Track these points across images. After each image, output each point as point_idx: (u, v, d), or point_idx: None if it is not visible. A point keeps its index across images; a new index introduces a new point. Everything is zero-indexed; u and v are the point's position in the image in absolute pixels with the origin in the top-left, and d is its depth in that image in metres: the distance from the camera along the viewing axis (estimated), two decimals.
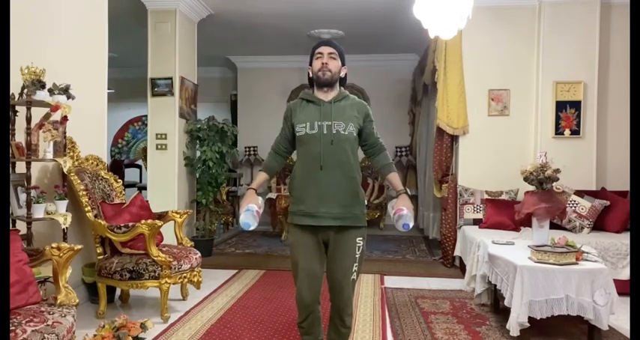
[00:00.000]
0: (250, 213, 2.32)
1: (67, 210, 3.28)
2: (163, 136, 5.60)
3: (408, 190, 2.42)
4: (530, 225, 3.71)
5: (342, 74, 2.48)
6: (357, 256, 2.42)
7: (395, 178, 2.48)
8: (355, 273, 2.44)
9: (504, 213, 4.66)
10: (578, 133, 5.07)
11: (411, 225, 2.31)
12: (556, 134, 5.09)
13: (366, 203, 2.56)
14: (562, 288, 2.94)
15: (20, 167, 3.14)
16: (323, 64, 2.40)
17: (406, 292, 4.28)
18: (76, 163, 3.70)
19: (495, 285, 3.45)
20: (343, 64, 2.47)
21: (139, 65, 6.30)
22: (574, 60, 5.07)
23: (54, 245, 2.42)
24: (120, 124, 10.15)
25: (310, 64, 2.47)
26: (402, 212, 2.30)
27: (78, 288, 3.65)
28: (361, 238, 2.43)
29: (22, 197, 3.09)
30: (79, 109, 3.50)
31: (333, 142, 2.36)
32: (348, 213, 2.38)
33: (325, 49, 2.43)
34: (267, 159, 2.63)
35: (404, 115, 8.38)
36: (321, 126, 2.38)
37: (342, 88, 2.51)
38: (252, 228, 2.28)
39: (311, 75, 2.48)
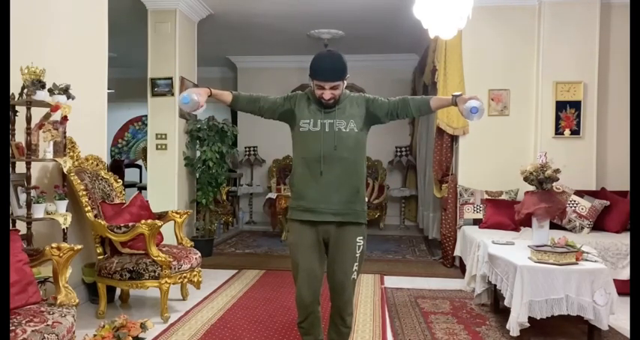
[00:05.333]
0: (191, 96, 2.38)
1: (67, 210, 3.28)
2: (163, 136, 5.61)
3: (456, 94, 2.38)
4: (530, 225, 3.70)
5: (345, 85, 2.43)
6: (357, 256, 2.43)
7: (439, 98, 2.50)
8: (356, 273, 2.44)
9: (504, 213, 4.66)
10: (578, 133, 5.07)
11: (480, 110, 2.27)
12: (556, 134, 5.09)
13: (366, 200, 2.55)
14: (562, 288, 2.94)
15: (20, 167, 3.14)
16: (325, 100, 2.37)
17: (406, 292, 4.28)
18: (76, 163, 3.70)
19: (495, 285, 3.45)
20: (346, 75, 2.39)
21: (139, 65, 6.29)
22: (574, 60, 5.07)
23: (54, 245, 2.42)
24: (120, 124, 10.16)
25: (310, 76, 2.39)
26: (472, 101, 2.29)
27: (78, 288, 3.65)
28: (361, 237, 2.44)
29: (22, 197, 3.09)
30: (79, 109, 3.50)
31: (334, 140, 2.37)
32: (348, 209, 2.39)
33: (327, 84, 2.34)
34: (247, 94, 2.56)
35: None
36: (324, 124, 2.39)
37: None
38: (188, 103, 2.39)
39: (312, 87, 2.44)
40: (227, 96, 2.48)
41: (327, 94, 2.35)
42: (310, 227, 2.41)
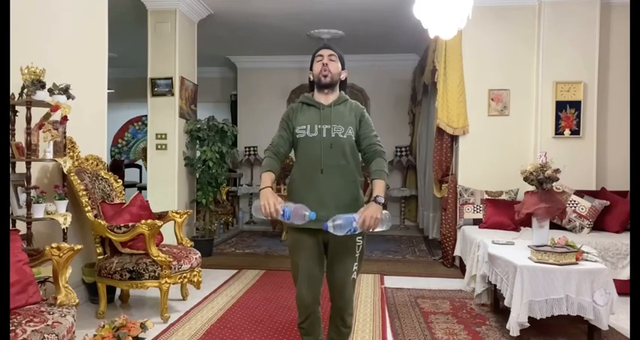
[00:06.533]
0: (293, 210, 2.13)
1: (67, 210, 3.28)
2: (163, 136, 5.61)
3: (380, 199, 2.22)
4: (530, 225, 3.70)
5: (342, 77, 2.49)
6: (357, 255, 2.43)
7: (377, 185, 2.33)
8: (355, 272, 2.44)
9: (504, 213, 4.66)
10: (578, 133, 5.07)
11: (332, 227, 2.11)
12: (556, 134, 5.09)
13: (365, 200, 2.54)
14: (562, 288, 2.94)
15: (20, 167, 3.14)
16: (323, 64, 2.41)
17: (406, 292, 4.28)
18: (76, 163, 3.70)
19: (495, 285, 3.45)
20: (343, 68, 2.49)
21: (139, 65, 6.30)
22: (574, 60, 5.07)
23: (54, 245, 2.42)
24: (120, 124, 10.15)
25: (311, 69, 2.48)
26: (343, 218, 2.13)
27: (78, 288, 3.65)
28: (361, 237, 2.43)
29: (22, 197, 3.09)
30: (79, 109, 3.50)
31: (332, 146, 2.36)
32: None
33: (325, 52, 2.45)
34: (267, 161, 2.44)
35: (404, 115, 8.39)
36: (321, 130, 2.38)
37: (342, 92, 2.52)
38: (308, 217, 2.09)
39: (312, 78, 2.48)
40: (272, 176, 2.36)
41: (325, 59, 2.42)
42: (309, 231, 2.40)
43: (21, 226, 3.04)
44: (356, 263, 2.43)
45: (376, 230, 2.19)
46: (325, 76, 2.41)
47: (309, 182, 2.38)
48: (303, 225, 2.26)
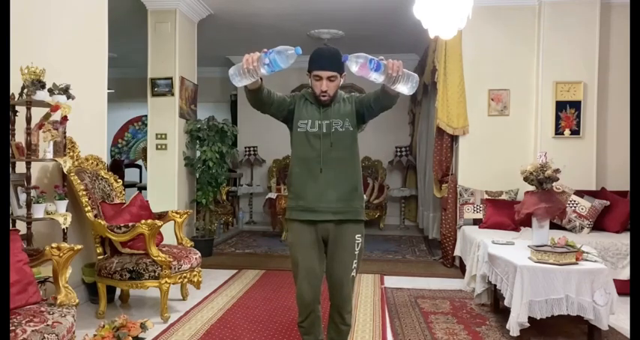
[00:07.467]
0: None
1: (67, 210, 3.28)
2: (163, 136, 5.61)
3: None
4: (530, 225, 3.70)
5: (342, 82, 2.46)
6: (356, 253, 2.44)
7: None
8: (354, 270, 2.45)
9: (504, 213, 4.66)
10: (578, 133, 5.07)
11: (351, 60, 2.05)
12: (556, 134, 5.09)
13: (365, 199, 2.55)
14: (562, 288, 2.94)
15: (20, 167, 3.14)
16: (322, 91, 2.38)
17: (406, 292, 4.28)
18: (76, 163, 3.70)
19: (495, 285, 3.45)
20: (343, 71, 2.42)
21: (139, 65, 6.30)
22: (574, 60, 5.07)
23: (54, 245, 2.42)
24: (120, 124, 10.16)
25: (309, 71, 2.44)
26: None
27: (78, 288, 3.65)
28: (360, 235, 2.45)
29: (22, 197, 3.09)
30: (79, 109, 3.50)
31: (332, 139, 2.39)
32: (347, 207, 2.41)
33: (324, 74, 2.37)
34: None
35: (404, 115, 8.38)
36: (321, 125, 2.41)
37: (338, 90, 2.52)
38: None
39: (310, 88, 2.46)
40: (258, 80, 2.37)
41: (324, 85, 2.36)
42: (309, 226, 2.42)
43: (21, 226, 3.04)
44: (355, 261, 2.44)
45: (400, 86, 2.12)
46: (325, 99, 2.41)
47: (309, 175, 2.41)
48: (304, 217, 2.32)
